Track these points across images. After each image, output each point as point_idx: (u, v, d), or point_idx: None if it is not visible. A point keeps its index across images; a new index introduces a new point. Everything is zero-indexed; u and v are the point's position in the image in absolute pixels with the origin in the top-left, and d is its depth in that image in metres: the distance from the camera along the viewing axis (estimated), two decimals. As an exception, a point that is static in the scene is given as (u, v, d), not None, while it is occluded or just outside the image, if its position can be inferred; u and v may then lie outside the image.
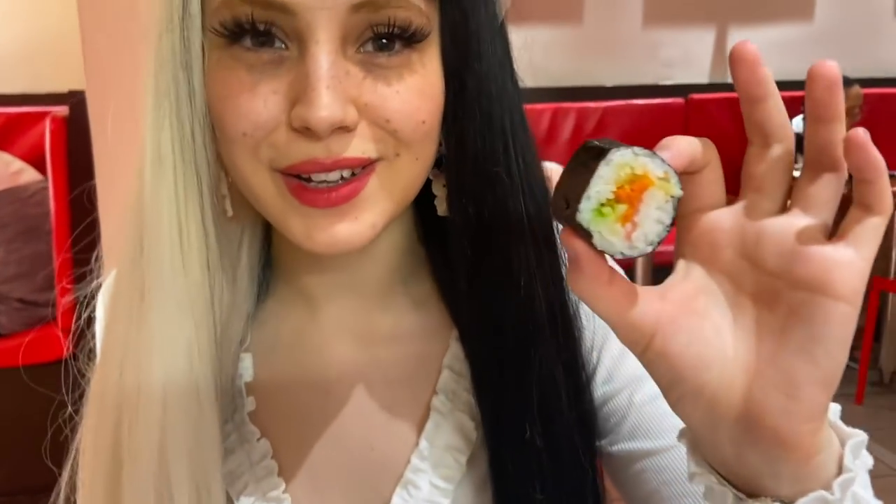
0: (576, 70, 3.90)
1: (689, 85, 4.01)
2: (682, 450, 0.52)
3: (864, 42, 4.15)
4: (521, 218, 0.52)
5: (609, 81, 3.97)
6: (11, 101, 2.93)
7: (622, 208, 0.34)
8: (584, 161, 0.35)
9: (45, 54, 2.92)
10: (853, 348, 3.35)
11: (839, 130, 0.35)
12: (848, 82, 3.58)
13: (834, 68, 0.34)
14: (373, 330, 0.59)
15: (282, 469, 0.57)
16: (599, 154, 0.34)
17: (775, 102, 0.37)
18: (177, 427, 0.50)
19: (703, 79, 4.09)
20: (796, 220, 0.36)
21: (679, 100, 3.95)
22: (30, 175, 2.63)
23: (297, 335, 0.59)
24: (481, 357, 0.55)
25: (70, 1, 1.43)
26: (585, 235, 0.34)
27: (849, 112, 3.57)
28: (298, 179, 0.46)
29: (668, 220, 0.35)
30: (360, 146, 0.46)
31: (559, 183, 0.36)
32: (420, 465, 0.56)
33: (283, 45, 0.45)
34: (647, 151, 0.34)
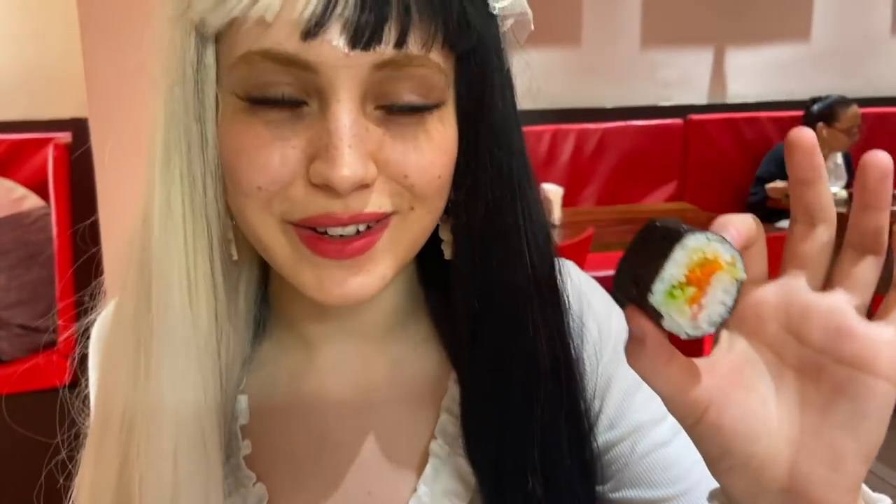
0: (575, 92, 3.92)
1: (687, 106, 4.03)
2: (683, 501, 0.55)
3: (861, 62, 4.18)
4: (526, 266, 0.53)
5: (608, 103, 3.99)
6: (14, 128, 2.94)
7: (691, 290, 0.35)
8: (654, 242, 0.36)
9: (48, 81, 2.94)
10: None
11: (886, 217, 0.36)
12: (846, 102, 3.60)
13: (886, 159, 0.35)
14: (371, 373, 0.58)
15: None
16: (673, 237, 0.35)
17: (824, 186, 0.38)
18: (188, 478, 0.49)
19: (701, 99, 4.11)
20: (840, 299, 0.37)
21: (678, 120, 3.97)
22: (32, 201, 2.64)
23: (294, 378, 0.58)
24: (481, 402, 0.55)
25: (72, 27, 1.44)
26: (654, 316, 0.35)
27: (847, 132, 3.58)
28: (312, 231, 0.46)
29: (731, 302, 0.36)
30: (377, 201, 0.46)
31: (625, 260, 0.37)
32: None
33: (302, 101, 0.45)
34: (717, 236, 0.35)
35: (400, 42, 0.43)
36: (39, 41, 2.95)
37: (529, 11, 0.50)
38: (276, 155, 0.45)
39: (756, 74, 4.12)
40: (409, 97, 0.46)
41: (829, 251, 0.38)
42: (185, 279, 0.47)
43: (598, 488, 0.58)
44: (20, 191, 2.65)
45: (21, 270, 2.48)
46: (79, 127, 2.25)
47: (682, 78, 4.08)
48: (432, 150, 0.47)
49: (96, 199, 1.47)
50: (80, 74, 1.44)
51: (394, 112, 0.46)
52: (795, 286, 0.38)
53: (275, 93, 0.44)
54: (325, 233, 0.46)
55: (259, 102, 0.44)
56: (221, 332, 0.50)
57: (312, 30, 0.41)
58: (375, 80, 0.44)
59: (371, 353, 0.59)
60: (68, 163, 2.49)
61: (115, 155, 1.47)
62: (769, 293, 0.39)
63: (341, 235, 0.46)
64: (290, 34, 0.42)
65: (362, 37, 0.42)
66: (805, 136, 0.37)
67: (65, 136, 2.63)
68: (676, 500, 0.55)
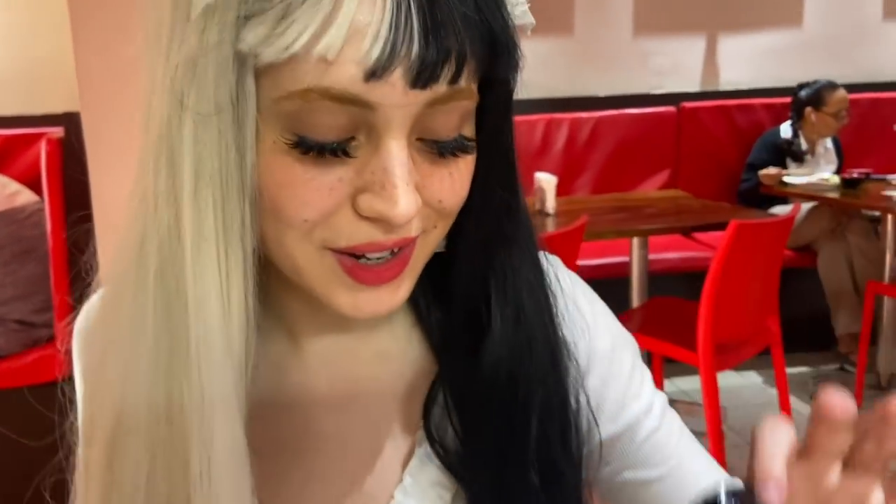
0: (568, 81, 3.92)
1: (680, 93, 4.04)
2: (676, 474, 0.61)
3: (853, 47, 4.18)
4: (524, 263, 0.55)
5: (601, 91, 3.99)
6: (6, 123, 2.93)
7: None
8: None
9: (40, 76, 2.93)
10: (849, 352, 3.31)
11: None
12: (833, 86, 3.61)
13: None
14: (357, 367, 0.59)
15: None
16: None
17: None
18: (229, 489, 0.48)
19: (694, 87, 4.12)
20: (862, 485, 0.39)
21: (671, 108, 3.97)
22: (26, 197, 2.63)
23: (279, 370, 0.58)
24: (476, 394, 0.55)
25: (64, 22, 1.44)
26: None
27: (836, 116, 3.59)
28: (352, 258, 0.47)
29: None
30: (415, 226, 0.47)
31: None
32: (403, 501, 0.56)
33: (351, 136, 0.44)
34: None
35: (454, 79, 0.43)
36: (30, 36, 2.94)
37: (532, 21, 0.50)
38: (324, 189, 0.44)
39: (748, 61, 4.12)
40: (452, 133, 0.46)
41: (847, 445, 0.40)
42: (219, 305, 0.46)
43: (602, 470, 0.61)
44: (14, 186, 2.65)
45: (16, 266, 2.48)
46: (71, 121, 2.25)
47: (675, 66, 4.09)
48: (465, 174, 0.48)
49: (90, 192, 1.47)
50: (71, 69, 1.44)
51: (441, 150, 0.46)
52: (819, 472, 0.40)
53: (326, 137, 0.43)
54: (364, 256, 0.47)
55: (310, 147, 0.43)
56: (251, 354, 0.49)
57: (378, 72, 0.41)
58: (422, 114, 0.44)
59: (357, 347, 0.59)
60: (61, 157, 2.48)
61: (107, 148, 1.47)
62: (797, 479, 0.40)
63: (378, 259, 0.47)
64: (354, 74, 0.41)
65: (423, 76, 0.42)
66: (844, 404, 0.39)
67: (57, 131, 2.62)
68: (670, 475, 0.60)
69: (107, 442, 0.50)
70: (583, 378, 0.59)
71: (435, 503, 0.56)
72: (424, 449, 0.57)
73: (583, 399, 0.58)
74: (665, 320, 2.62)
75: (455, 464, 0.56)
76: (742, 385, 3.30)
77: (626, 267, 3.02)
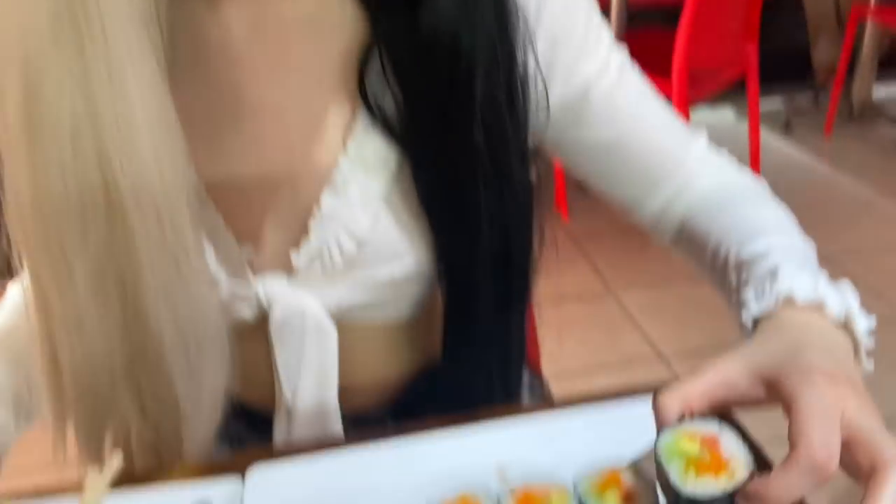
0: None
1: None
2: (638, 131, 0.61)
3: None
4: None
5: None
6: None
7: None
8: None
9: None
10: (825, 83, 3.27)
11: None
12: None
13: None
14: (284, 31, 0.55)
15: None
16: None
17: None
18: (166, 157, 0.47)
19: None
20: None
21: None
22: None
23: (200, 38, 0.54)
24: (406, 64, 0.53)
25: None
26: None
27: None
28: None
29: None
30: None
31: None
32: (348, 169, 0.55)
33: None
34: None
35: None
36: None
37: None
38: None
39: None
40: None
41: None
42: None
43: (554, 130, 0.60)
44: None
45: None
46: None
47: None
48: None
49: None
50: None
51: None
52: None
53: None
54: None
55: None
56: (162, 7, 0.46)
57: None
58: None
59: (281, 9, 0.54)
60: None
61: None
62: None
63: None
64: None
65: None
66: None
67: None
68: (626, 136, 0.61)
69: (22, 92, 0.46)
70: (532, 36, 0.56)
71: (380, 172, 0.55)
72: (365, 118, 0.55)
73: (531, 58, 0.56)
74: (641, 52, 2.55)
75: (397, 131, 0.54)
76: (715, 122, 3.31)
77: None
